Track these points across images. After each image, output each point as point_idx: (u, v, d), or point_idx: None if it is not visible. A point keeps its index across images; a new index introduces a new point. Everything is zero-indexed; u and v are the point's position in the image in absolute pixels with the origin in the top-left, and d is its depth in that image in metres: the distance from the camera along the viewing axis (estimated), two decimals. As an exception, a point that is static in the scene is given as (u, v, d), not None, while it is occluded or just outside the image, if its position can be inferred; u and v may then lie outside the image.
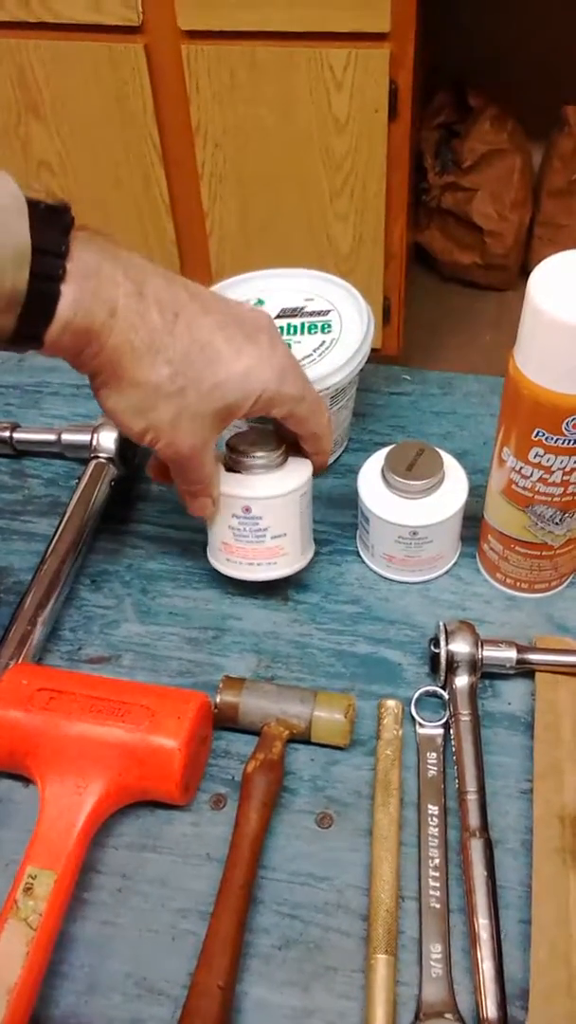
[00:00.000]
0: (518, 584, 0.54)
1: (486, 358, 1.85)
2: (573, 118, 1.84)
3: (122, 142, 1.52)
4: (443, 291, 2.05)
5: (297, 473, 0.51)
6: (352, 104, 1.43)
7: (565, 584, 0.55)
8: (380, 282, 1.65)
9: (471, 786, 0.45)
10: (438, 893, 0.43)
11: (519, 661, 0.49)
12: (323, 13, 1.34)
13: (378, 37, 1.36)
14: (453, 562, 0.56)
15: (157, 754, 0.44)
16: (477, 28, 1.84)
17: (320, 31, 1.36)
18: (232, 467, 0.51)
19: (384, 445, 0.55)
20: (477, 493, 0.54)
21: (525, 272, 2.04)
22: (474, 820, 0.44)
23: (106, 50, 1.42)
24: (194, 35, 1.40)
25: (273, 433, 0.51)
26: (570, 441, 0.44)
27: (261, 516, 0.51)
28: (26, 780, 0.48)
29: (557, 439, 0.44)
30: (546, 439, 0.45)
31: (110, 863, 0.45)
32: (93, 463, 0.60)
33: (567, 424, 0.44)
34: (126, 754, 0.44)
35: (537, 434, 0.45)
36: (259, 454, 0.50)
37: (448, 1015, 0.39)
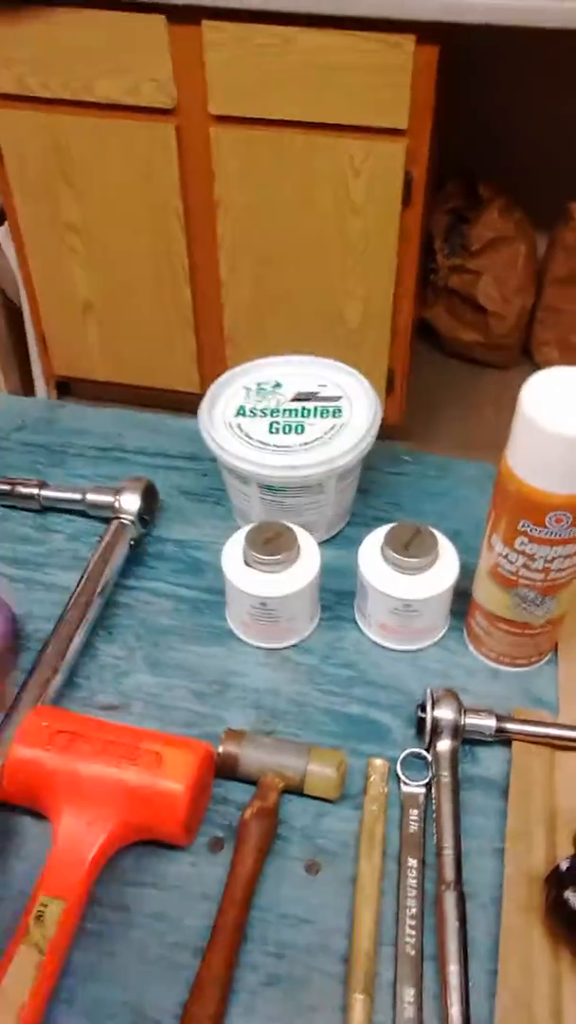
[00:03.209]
0: (501, 658, 0.59)
1: (485, 433, 1.92)
2: (576, 213, 1.94)
3: (147, 211, 1.61)
4: (446, 366, 2.13)
5: (308, 568, 0.57)
6: (368, 191, 1.52)
7: (544, 661, 0.60)
8: (386, 355, 1.73)
9: (448, 843, 0.49)
10: (413, 940, 0.47)
11: (498, 730, 0.54)
12: (346, 107, 1.44)
13: (397, 133, 1.45)
14: (442, 634, 0.61)
15: (164, 797, 0.48)
16: (489, 124, 1.96)
17: (343, 123, 1.46)
18: (249, 562, 0.56)
19: (383, 520, 0.60)
20: (467, 571, 0.59)
21: (525, 352, 2.14)
22: (449, 874, 0.48)
23: (139, 128, 1.51)
24: (223, 119, 1.49)
25: (286, 529, 0.57)
26: (552, 533, 0.50)
27: (275, 608, 0.57)
28: (38, 816, 0.51)
29: (540, 531, 0.50)
30: (531, 530, 0.50)
31: (114, 897, 0.49)
32: (115, 523, 0.65)
33: (550, 518, 0.49)
34: (135, 795, 0.48)
35: (523, 525, 0.50)
36: (273, 556, 0.56)
37: (418, 1054, 0.43)
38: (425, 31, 1.33)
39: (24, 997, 0.42)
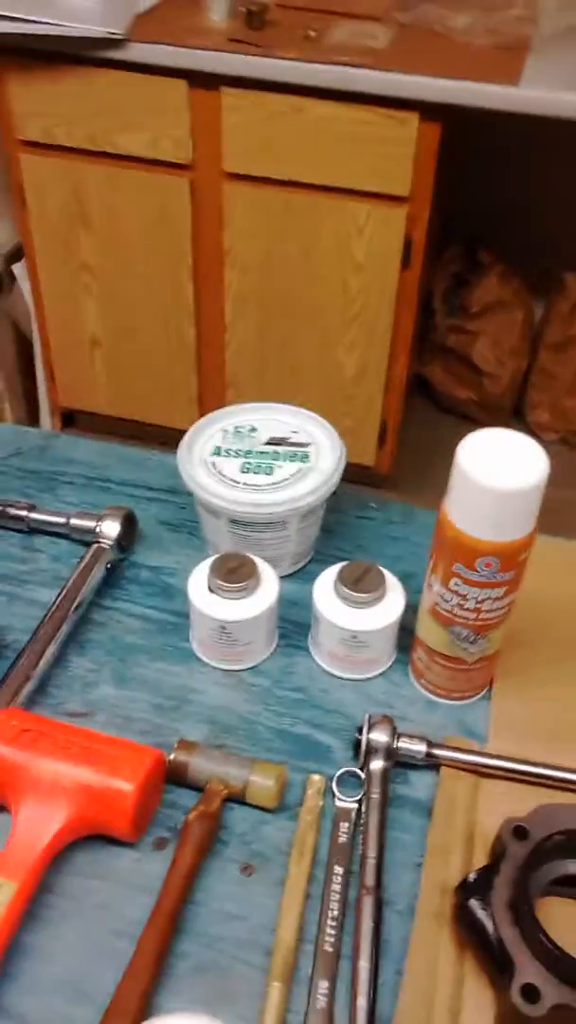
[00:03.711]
0: (438, 690, 0.64)
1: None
2: (571, 284, 2.02)
3: (158, 256, 1.69)
4: (438, 421, 2.20)
5: (266, 597, 0.62)
6: (370, 251, 1.60)
7: (478, 696, 0.65)
8: (379, 407, 1.80)
9: (372, 852, 0.54)
10: (332, 939, 0.51)
11: (428, 754, 0.58)
12: (352, 173, 1.52)
13: (399, 199, 1.54)
14: (387, 666, 0.66)
15: (115, 794, 0.53)
16: (492, 195, 2.05)
17: (348, 187, 1.54)
18: (212, 588, 0.62)
19: (344, 559, 0.66)
20: (416, 609, 0.64)
21: (517, 414, 2.21)
22: (370, 880, 0.52)
23: (156, 180, 1.60)
24: (235, 176, 1.58)
25: (248, 560, 0.62)
26: (481, 576, 0.55)
27: (232, 632, 0.62)
28: (1, 808, 0.56)
29: (471, 573, 0.55)
30: (463, 572, 0.55)
31: (63, 886, 0.53)
32: (95, 546, 0.71)
33: (479, 562, 0.54)
34: (89, 791, 0.53)
35: (457, 567, 0.56)
36: (235, 584, 0.61)
37: (325, 1040, 0.47)
38: (428, 109, 1.42)
39: (-28, 964, 0.46)
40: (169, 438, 0.85)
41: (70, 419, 2.06)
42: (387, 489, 1.95)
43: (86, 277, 1.74)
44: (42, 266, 1.74)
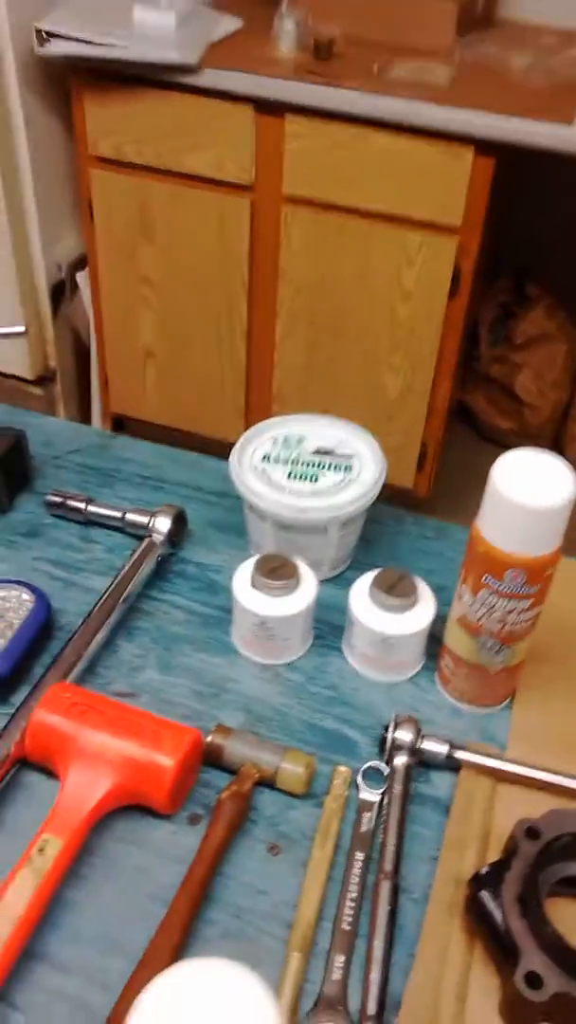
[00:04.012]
0: (463, 697, 0.67)
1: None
2: (616, 319, 2.05)
3: (216, 272, 1.75)
4: (479, 448, 2.23)
5: (304, 596, 0.67)
6: (419, 279, 1.64)
7: (502, 706, 0.68)
8: (420, 431, 1.83)
9: (391, 841, 0.57)
10: (351, 919, 0.54)
11: (449, 755, 0.62)
12: (407, 201, 1.57)
13: (450, 229, 1.58)
14: (416, 671, 0.70)
15: (155, 768, 0.57)
16: (543, 229, 2.08)
17: (402, 216, 1.59)
18: (255, 585, 0.66)
19: (380, 568, 0.69)
20: (444, 620, 0.68)
21: (557, 446, 2.22)
22: (388, 865, 0.56)
23: (219, 199, 1.66)
24: (294, 200, 1.64)
25: (290, 562, 0.66)
26: (509, 588, 0.58)
27: (271, 628, 0.66)
28: (48, 774, 0.61)
29: (500, 584, 0.59)
30: (492, 583, 0.59)
31: (103, 849, 0.58)
32: (147, 540, 0.75)
33: (508, 574, 0.58)
34: (132, 763, 0.57)
35: (486, 579, 0.59)
36: (277, 582, 0.65)
37: (339, 1007, 0.50)
38: (483, 145, 1.47)
39: (21, 910, 0.51)
40: (213, 449, 0.90)
41: (119, 425, 2.12)
42: (425, 512, 1.98)
43: (145, 289, 1.81)
44: (104, 276, 1.81)
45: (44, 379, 1.92)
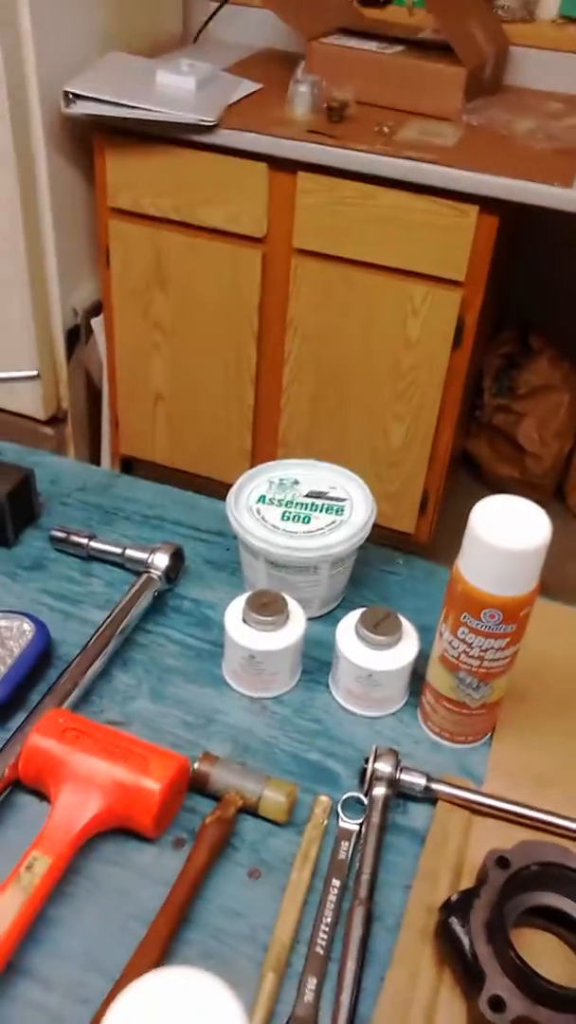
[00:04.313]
0: (443, 733, 0.69)
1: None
2: (618, 373, 2.09)
3: (226, 320, 1.81)
4: (481, 496, 2.24)
5: (293, 632, 0.69)
6: (423, 329, 1.69)
7: (480, 742, 0.70)
8: (422, 478, 1.87)
9: (367, 869, 0.59)
10: (324, 943, 0.56)
11: (427, 788, 0.64)
12: (412, 256, 1.63)
13: (455, 283, 1.63)
14: (399, 707, 0.72)
15: (142, 792, 0.60)
16: (546, 282, 2.14)
17: (408, 269, 1.65)
18: (246, 620, 0.69)
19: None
20: (428, 658, 0.70)
21: (559, 495, 2.25)
22: (363, 892, 0.58)
23: (231, 251, 1.72)
24: (304, 252, 1.70)
25: (281, 598, 0.69)
26: (486, 627, 0.61)
27: (260, 661, 0.69)
28: (39, 796, 0.63)
29: (477, 623, 0.61)
30: (470, 622, 0.62)
31: (88, 870, 0.60)
32: (145, 576, 0.79)
33: (485, 614, 0.61)
34: (120, 787, 0.60)
35: (464, 618, 0.62)
36: (266, 617, 0.68)
37: (309, 1028, 0.52)
38: (488, 203, 1.53)
39: (7, 926, 0.53)
40: (217, 491, 0.93)
41: (127, 466, 2.17)
42: (425, 557, 2.01)
43: (157, 335, 1.86)
44: (118, 322, 1.87)
45: (56, 419, 1.98)
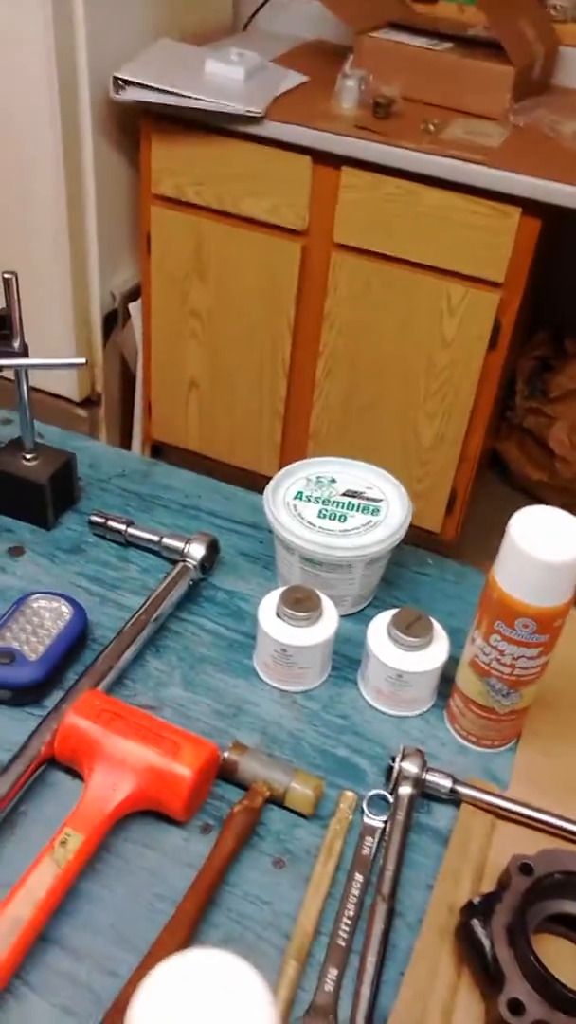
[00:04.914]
0: (470, 736, 0.70)
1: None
2: None
3: (263, 311, 1.81)
4: (508, 497, 2.26)
5: (325, 629, 0.70)
6: (460, 329, 1.69)
7: (506, 747, 0.71)
8: (451, 477, 1.87)
9: (391, 866, 0.60)
10: (346, 935, 0.58)
11: (452, 790, 0.65)
12: (452, 255, 1.62)
13: (493, 284, 1.63)
14: (426, 708, 0.73)
15: (174, 777, 0.61)
16: (585, 289, 2.13)
17: (447, 268, 1.65)
18: (279, 614, 0.70)
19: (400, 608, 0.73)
20: (458, 661, 0.71)
21: (583, 500, 2.25)
22: (386, 888, 0.59)
23: (271, 242, 1.73)
24: (343, 247, 1.70)
25: (314, 594, 0.70)
26: (519, 636, 0.62)
27: (291, 655, 0.70)
28: (73, 773, 0.65)
29: (510, 632, 0.62)
30: (503, 630, 0.63)
31: (119, 848, 0.61)
32: (180, 565, 0.80)
33: (519, 623, 0.61)
34: (152, 771, 0.61)
35: (498, 625, 0.63)
36: (300, 612, 0.69)
37: (329, 1017, 0.53)
38: (530, 206, 1.52)
39: (41, 895, 0.54)
40: (247, 481, 0.95)
41: (158, 451, 2.19)
42: (450, 556, 2.01)
43: (194, 323, 1.87)
44: (156, 308, 1.89)
45: (89, 402, 1.99)
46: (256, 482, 0.79)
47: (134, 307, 1.91)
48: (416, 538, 0.79)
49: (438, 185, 1.56)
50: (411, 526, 0.77)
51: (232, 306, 1.83)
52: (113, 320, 1.93)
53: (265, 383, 1.91)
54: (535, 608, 0.60)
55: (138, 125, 1.69)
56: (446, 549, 1.99)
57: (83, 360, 0.80)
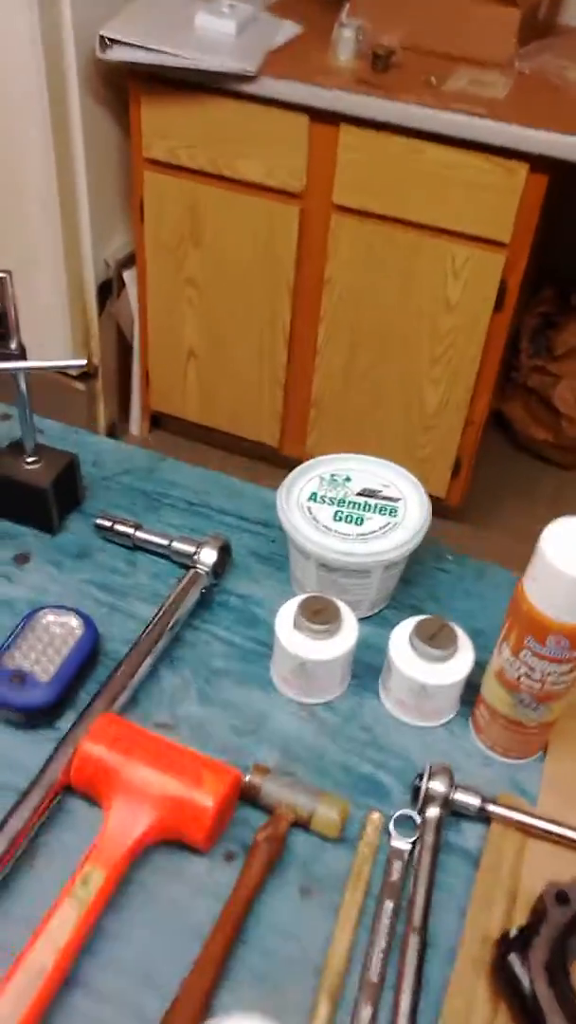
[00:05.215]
0: (496, 748, 0.68)
1: (536, 527, 2.00)
2: None
3: (261, 277, 1.76)
4: (513, 458, 2.23)
5: (345, 641, 0.68)
6: (464, 292, 1.64)
7: (533, 758, 0.69)
8: (456, 442, 1.84)
9: (420, 894, 0.59)
10: (378, 969, 0.56)
11: (481, 808, 0.63)
12: (456, 215, 1.57)
13: (498, 244, 1.58)
14: (450, 718, 0.71)
15: (196, 807, 0.59)
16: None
17: (450, 229, 1.59)
18: (298, 627, 0.67)
19: (419, 610, 0.70)
20: (483, 666, 0.69)
21: (591, 461, 2.21)
22: (417, 920, 0.57)
23: (268, 206, 1.67)
24: (343, 209, 1.64)
25: (333, 605, 0.68)
26: (551, 652, 0.59)
27: (311, 670, 0.68)
28: (90, 801, 0.63)
29: (541, 648, 0.59)
30: (534, 646, 0.60)
31: (141, 880, 0.60)
32: (192, 571, 0.77)
33: (551, 640, 0.59)
34: (174, 801, 0.59)
35: (528, 640, 0.60)
36: (319, 625, 0.67)
37: (364, 1057, 0.52)
38: (538, 161, 1.46)
39: (65, 938, 0.53)
40: (246, 449, 0.91)
41: (156, 422, 2.14)
42: (455, 520, 1.99)
43: (190, 291, 1.82)
44: (151, 276, 1.83)
45: (86, 374, 1.95)
46: (255, 450, 0.75)
47: (129, 275, 1.85)
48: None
49: (441, 141, 1.50)
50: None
51: (229, 272, 1.77)
52: (108, 290, 1.88)
53: (265, 351, 1.86)
54: (568, 625, 0.58)
55: (127, 86, 1.62)
56: (452, 515, 1.96)
57: (83, 361, 0.76)
